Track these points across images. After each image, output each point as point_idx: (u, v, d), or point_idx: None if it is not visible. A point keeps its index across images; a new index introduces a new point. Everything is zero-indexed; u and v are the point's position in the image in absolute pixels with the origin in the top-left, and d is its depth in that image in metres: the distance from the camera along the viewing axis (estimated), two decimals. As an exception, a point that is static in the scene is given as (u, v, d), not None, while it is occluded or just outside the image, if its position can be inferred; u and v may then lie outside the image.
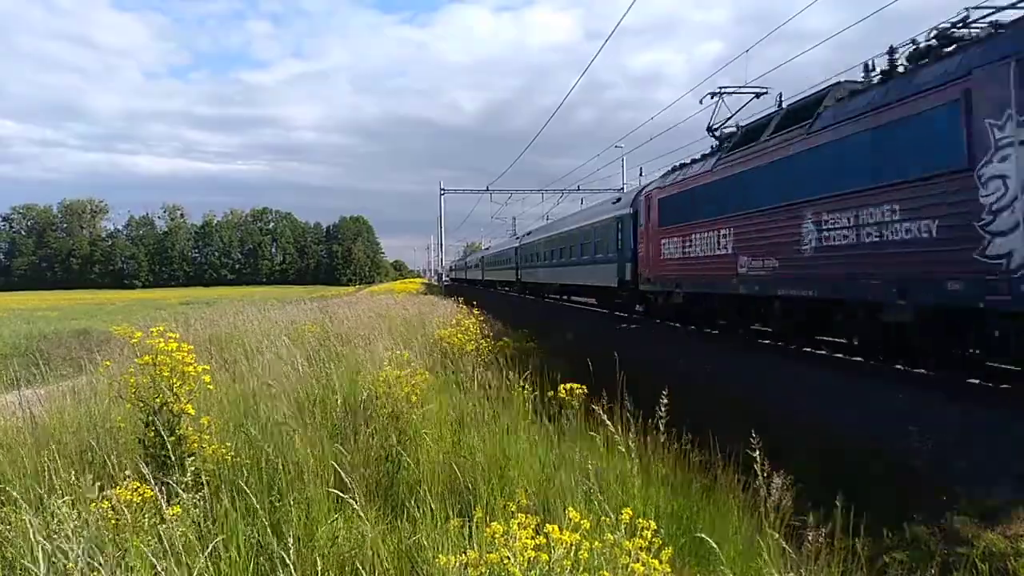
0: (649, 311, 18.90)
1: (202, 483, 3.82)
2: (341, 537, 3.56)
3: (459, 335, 8.92)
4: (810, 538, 3.12)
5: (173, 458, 3.97)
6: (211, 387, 4.89)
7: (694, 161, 15.82)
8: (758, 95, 15.13)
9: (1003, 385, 7.90)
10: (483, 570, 2.63)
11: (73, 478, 3.59)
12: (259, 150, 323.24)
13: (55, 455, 4.06)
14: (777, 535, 3.10)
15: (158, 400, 4.20)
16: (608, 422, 4.12)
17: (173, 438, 4.09)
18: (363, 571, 3.21)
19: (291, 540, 2.99)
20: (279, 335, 8.83)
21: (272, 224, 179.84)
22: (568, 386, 5.08)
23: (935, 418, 6.30)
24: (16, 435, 4.68)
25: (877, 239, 8.59)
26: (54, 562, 2.86)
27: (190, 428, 4.20)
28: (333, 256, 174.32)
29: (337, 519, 3.73)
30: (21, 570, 3.04)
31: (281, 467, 4.15)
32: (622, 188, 40.95)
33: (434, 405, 5.51)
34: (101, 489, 3.52)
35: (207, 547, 3.08)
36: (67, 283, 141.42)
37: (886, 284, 8.48)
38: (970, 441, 5.72)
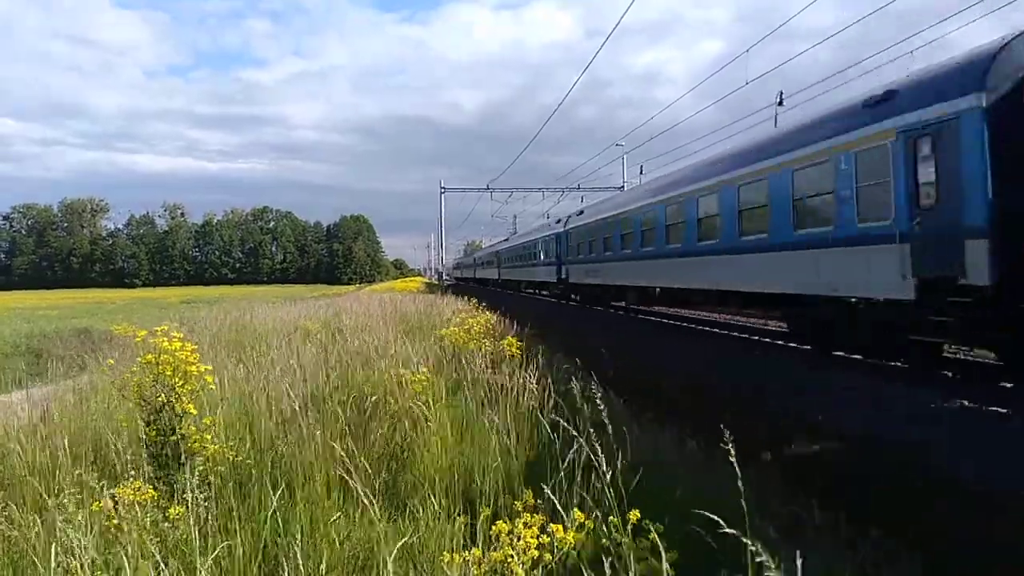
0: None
1: (208, 482, 3.82)
2: (344, 535, 3.56)
3: (462, 334, 8.92)
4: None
5: (174, 457, 3.97)
6: (213, 387, 4.90)
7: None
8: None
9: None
10: (486, 568, 2.64)
11: (79, 477, 3.59)
12: (260, 149, 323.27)
13: (61, 454, 4.07)
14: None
15: (160, 399, 4.21)
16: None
17: (175, 437, 4.10)
18: (367, 569, 3.21)
19: (297, 538, 2.99)
20: (288, 333, 8.85)
21: (273, 223, 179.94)
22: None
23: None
24: (20, 434, 4.68)
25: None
26: (60, 562, 2.86)
27: (192, 427, 4.21)
28: (334, 255, 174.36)
29: (340, 517, 3.73)
30: (30, 571, 3.04)
31: (287, 466, 4.15)
32: (622, 186, 40.95)
33: (440, 404, 5.51)
34: (104, 489, 3.53)
35: (210, 546, 3.08)
36: (67, 282, 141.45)
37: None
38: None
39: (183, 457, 3.98)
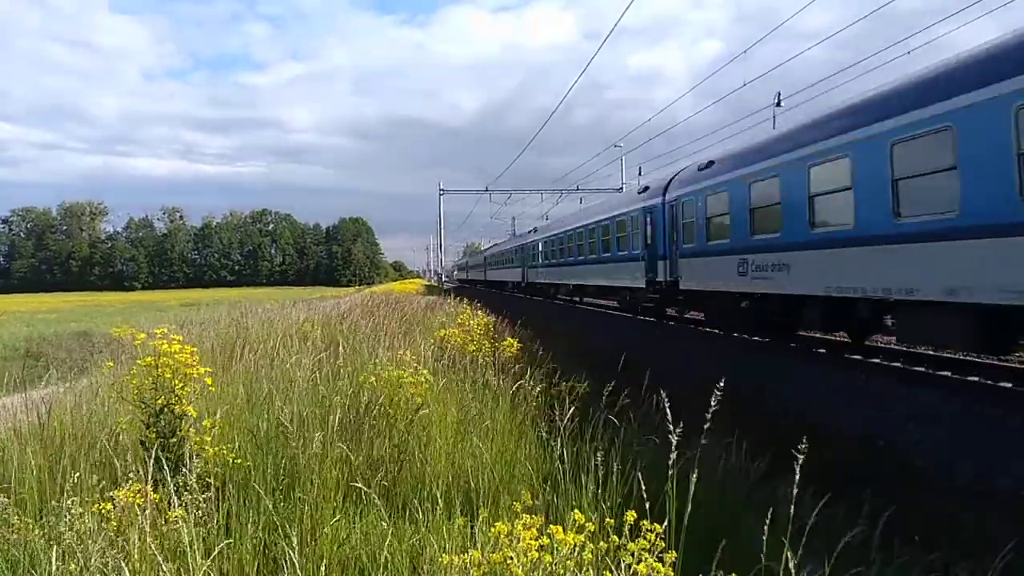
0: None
1: (207, 484, 3.82)
2: (344, 536, 3.57)
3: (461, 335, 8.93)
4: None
5: (174, 460, 3.97)
6: (212, 388, 4.90)
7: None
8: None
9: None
10: (485, 570, 2.64)
11: (79, 480, 3.59)
12: (258, 152, 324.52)
13: (61, 457, 4.07)
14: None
15: (159, 402, 4.21)
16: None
17: (174, 439, 4.10)
18: (368, 570, 3.21)
19: (296, 540, 3.00)
20: (288, 334, 8.84)
21: (271, 225, 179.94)
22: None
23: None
24: (20, 437, 4.68)
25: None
26: (59, 565, 2.86)
27: (192, 430, 4.21)
28: (333, 257, 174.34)
29: (339, 519, 3.73)
30: (29, 574, 3.04)
31: (287, 467, 4.15)
32: (620, 188, 40.97)
33: (439, 406, 5.52)
34: (104, 491, 3.53)
35: (211, 548, 3.08)
36: (67, 285, 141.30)
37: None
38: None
39: (183, 459, 3.98)
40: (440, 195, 54.62)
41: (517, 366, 7.33)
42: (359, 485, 3.75)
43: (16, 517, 3.49)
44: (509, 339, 9.17)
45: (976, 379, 8.65)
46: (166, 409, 4.19)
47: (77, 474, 3.70)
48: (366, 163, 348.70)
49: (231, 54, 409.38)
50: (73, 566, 2.89)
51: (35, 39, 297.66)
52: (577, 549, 2.65)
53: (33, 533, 3.29)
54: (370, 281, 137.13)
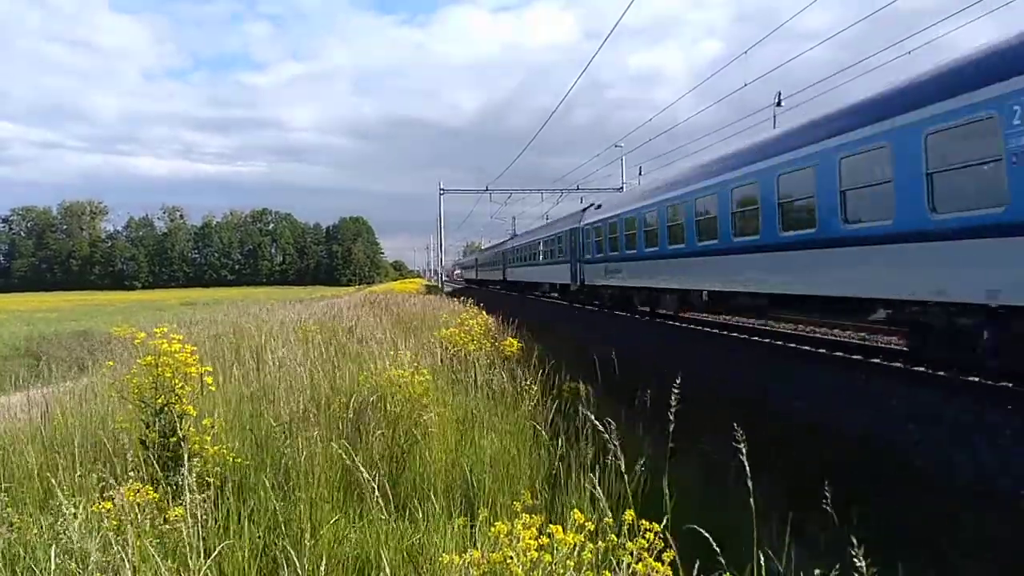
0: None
1: (207, 483, 3.82)
2: (344, 536, 3.57)
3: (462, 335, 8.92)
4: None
5: (174, 459, 3.97)
6: (213, 388, 4.90)
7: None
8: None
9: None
10: (485, 569, 2.64)
11: (79, 479, 3.59)
12: (259, 151, 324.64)
13: (61, 456, 4.07)
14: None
15: (159, 401, 4.21)
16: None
17: (175, 439, 4.10)
18: (368, 570, 3.22)
19: (296, 539, 3.00)
20: (288, 334, 8.85)
21: (272, 225, 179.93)
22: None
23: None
24: (20, 436, 4.68)
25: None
26: (59, 564, 2.87)
27: (192, 429, 4.21)
28: (333, 256, 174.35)
29: (340, 519, 3.73)
30: (29, 572, 3.04)
31: (287, 467, 4.15)
32: (621, 187, 40.96)
33: (439, 406, 5.52)
34: (103, 491, 3.53)
35: (211, 547, 3.08)
36: (67, 284, 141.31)
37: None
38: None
39: (184, 458, 3.99)
40: (440, 195, 54.58)
41: (517, 367, 7.33)
42: (359, 483, 3.74)
43: (16, 516, 3.49)
44: (510, 339, 9.18)
45: (976, 379, 8.69)
46: (166, 408, 4.19)
47: (77, 473, 3.70)
48: (366, 163, 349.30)
49: (231, 54, 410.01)
50: (73, 565, 2.89)
51: (35, 39, 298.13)
52: (577, 549, 2.65)
53: (33, 532, 3.29)
54: (370, 281, 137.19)
